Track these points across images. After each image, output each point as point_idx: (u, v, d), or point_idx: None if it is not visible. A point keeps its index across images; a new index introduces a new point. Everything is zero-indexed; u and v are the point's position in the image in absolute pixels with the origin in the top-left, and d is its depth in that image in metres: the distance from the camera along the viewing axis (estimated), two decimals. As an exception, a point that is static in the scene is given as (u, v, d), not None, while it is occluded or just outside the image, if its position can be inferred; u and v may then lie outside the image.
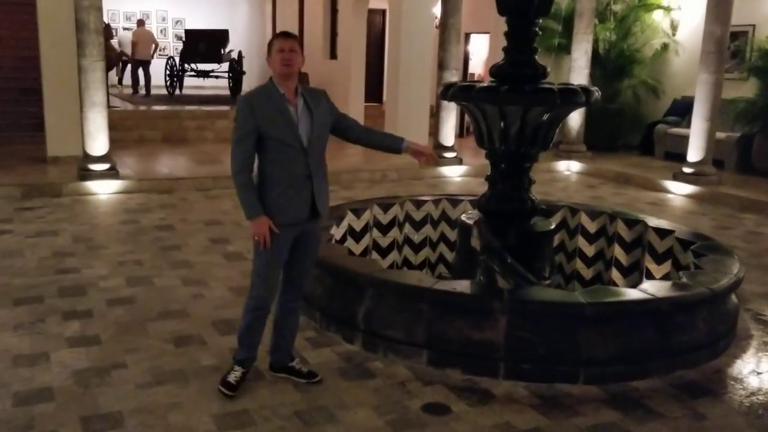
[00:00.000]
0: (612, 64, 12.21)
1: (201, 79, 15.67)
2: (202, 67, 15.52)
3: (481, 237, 4.40)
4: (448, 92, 4.41)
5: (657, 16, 12.24)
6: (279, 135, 3.21)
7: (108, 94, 10.47)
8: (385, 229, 5.71)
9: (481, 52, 15.12)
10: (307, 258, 3.48)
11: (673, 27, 12.13)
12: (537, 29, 4.40)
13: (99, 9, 8.03)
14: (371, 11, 14.21)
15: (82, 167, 8.20)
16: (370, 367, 3.77)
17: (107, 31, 12.19)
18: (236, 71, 15.28)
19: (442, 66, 10.17)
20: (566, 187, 9.72)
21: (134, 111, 12.76)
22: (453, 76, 10.07)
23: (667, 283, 4.18)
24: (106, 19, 13.67)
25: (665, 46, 12.19)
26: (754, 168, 10.07)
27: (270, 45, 3.28)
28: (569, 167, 11.02)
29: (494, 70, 4.46)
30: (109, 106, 9.37)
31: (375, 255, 5.65)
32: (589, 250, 5.61)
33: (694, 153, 9.30)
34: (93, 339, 4.03)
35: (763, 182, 9.46)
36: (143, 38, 14.94)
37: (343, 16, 13.87)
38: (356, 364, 3.79)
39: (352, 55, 13.16)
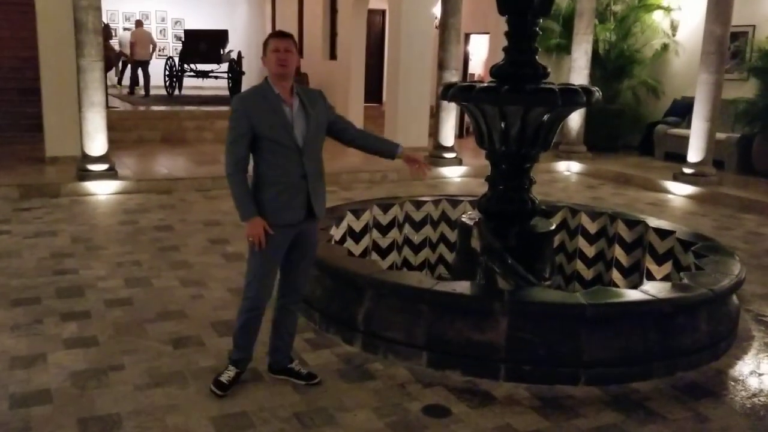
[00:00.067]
0: (612, 65, 12.20)
1: (200, 79, 15.64)
2: (201, 67, 15.50)
3: (481, 238, 4.38)
4: (449, 92, 4.39)
5: (657, 16, 12.23)
6: (274, 135, 3.19)
7: (107, 94, 10.46)
8: (384, 230, 5.69)
9: (480, 53, 15.11)
10: (303, 260, 3.46)
11: (673, 27, 12.12)
12: (537, 29, 4.38)
13: (98, 9, 8.02)
14: (371, 11, 14.20)
15: (81, 167, 8.18)
16: (370, 368, 3.75)
17: (106, 31, 12.16)
18: (236, 71, 15.25)
19: (442, 66, 10.15)
20: (566, 187, 9.70)
21: (133, 111, 12.74)
22: (453, 77, 10.05)
23: (669, 284, 4.16)
24: (105, 19, 13.65)
25: (665, 47, 12.18)
26: (754, 168, 10.05)
27: (265, 44, 3.25)
28: (569, 168, 11.01)
29: (494, 70, 4.44)
30: (108, 107, 9.36)
31: (375, 256, 5.63)
32: (590, 251, 5.59)
33: (694, 153, 9.29)
34: (91, 340, 4.01)
35: (764, 183, 9.44)
36: (141, 39, 14.92)
37: (342, 17, 13.86)
38: (356, 366, 3.77)
39: (352, 56, 13.15)
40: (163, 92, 15.27)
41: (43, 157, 9.20)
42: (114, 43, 15.39)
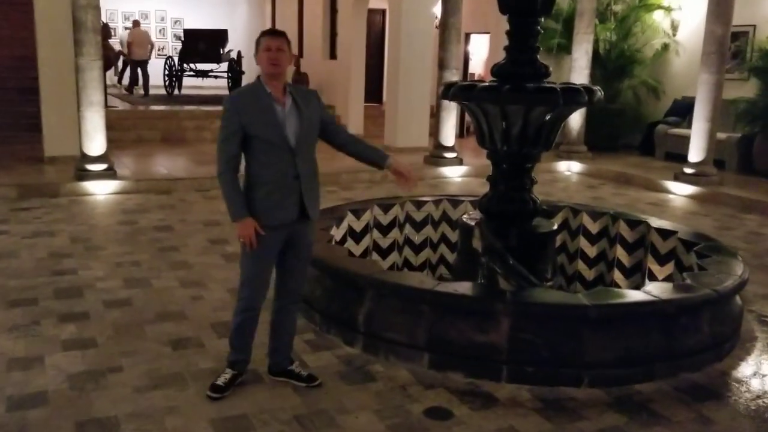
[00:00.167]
0: (612, 65, 12.18)
1: (200, 79, 15.62)
2: (201, 66, 15.48)
3: (482, 238, 4.35)
4: (450, 91, 4.36)
5: (657, 16, 12.22)
6: (265, 135, 3.16)
7: (106, 93, 10.43)
8: (385, 230, 5.66)
9: (481, 53, 15.09)
10: (298, 261, 3.42)
11: (674, 27, 12.11)
12: (539, 28, 4.35)
13: (96, 8, 7.99)
14: (371, 11, 14.17)
15: (80, 167, 8.15)
16: (371, 370, 3.72)
17: (105, 31, 12.14)
18: (235, 71, 15.23)
19: (442, 66, 10.13)
20: (567, 187, 9.68)
21: (132, 111, 12.71)
22: (453, 76, 10.02)
23: (672, 285, 4.13)
24: (104, 19, 13.63)
25: (666, 47, 12.17)
26: (755, 168, 10.03)
27: (257, 42, 3.22)
28: (570, 168, 10.98)
29: (496, 69, 4.41)
30: (107, 106, 9.33)
31: (375, 256, 5.60)
32: (591, 251, 5.56)
33: (695, 153, 9.27)
34: (89, 342, 3.97)
35: (764, 183, 9.43)
36: (138, 39, 14.90)
37: (342, 16, 13.83)
38: (357, 368, 3.74)
39: (352, 55, 13.12)
40: (163, 92, 15.25)
41: (41, 157, 9.17)
42: (115, 42, 15.35)
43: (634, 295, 3.92)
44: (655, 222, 5.39)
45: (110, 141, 8.49)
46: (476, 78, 14.40)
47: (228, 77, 15.31)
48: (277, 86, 3.20)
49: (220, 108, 3.29)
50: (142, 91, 14.92)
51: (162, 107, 12.99)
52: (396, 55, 11.40)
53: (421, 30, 11.27)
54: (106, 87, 10.49)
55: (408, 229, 5.79)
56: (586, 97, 4.13)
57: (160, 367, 3.68)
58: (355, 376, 3.64)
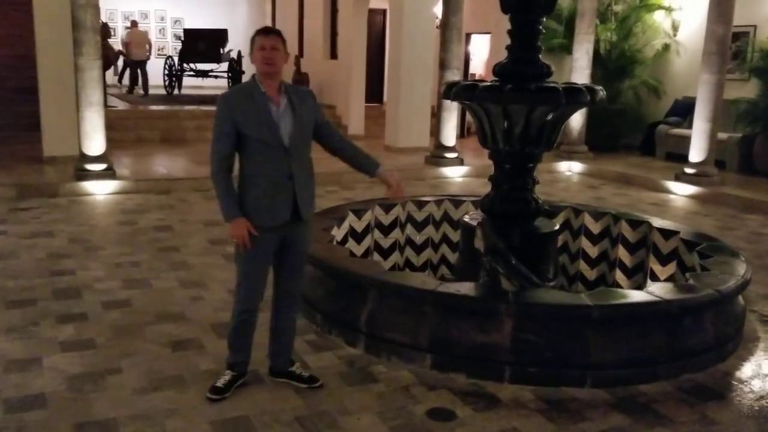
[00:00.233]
0: (613, 65, 12.16)
1: (200, 78, 15.60)
2: (201, 66, 15.46)
3: (484, 238, 4.33)
4: (451, 91, 4.34)
5: (658, 16, 12.20)
6: (258, 134, 3.13)
7: (105, 93, 10.41)
8: (386, 230, 5.64)
9: (482, 53, 15.08)
10: (294, 262, 3.39)
11: (675, 27, 12.09)
12: (541, 27, 4.32)
13: (96, 7, 7.96)
14: (372, 11, 14.15)
15: (79, 167, 8.13)
16: (373, 371, 3.69)
17: (104, 30, 12.11)
18: (235, 71, 15.21)
19: (443, 66, 10.12)
20: (568, 187, 9.66)
21: (132, 111, 12.68)
22: (454, 76, 10.01)
23: (674, 285, 4.12)
24: (104, 18, 13.60)
25: (666, 47, 12.15)
26: (755, 169, 10.02)
27: (252, 41, 3.19)
28: (570, 168, 10.96)
29: (498, 69, 4.39)
30: (106, 106, 9.30)
31: (376, 256, 5.58)
32: (593, 251, 5.54)
33: (696, 153, 9.25)
34: (88, 343, 3.94)
35: (765, 183, 9.41)
36: (137, 39, 14.89)
37: (343, 16, 13.82)
38: (359, 369, 3.72)
39: (353, 55, 13.10)
40: (163, 91, 15.22)
41: (40, 157, 9.14)
42: (115, 41, 15.32)
43: (636, 296, 3.90)
44: (657, 222, 5.37)
45: (110, 141, 8.47)
46: (477, 78, 14.39)
47: (228, 77, 15.30)
48: (272, 85, 3.17)
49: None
50: (141, 91, 14.90)
51: (162, 107, 12.96)
52: (397, 55, 11.39)
53: (422, 30, 11.25)
54: (105, 87, 10.47)
55: (409, 229, 5.77)
56: (589, 96, 4.11)
57: (159, 368, 3.65)
58: (357, 377, 3.62)
